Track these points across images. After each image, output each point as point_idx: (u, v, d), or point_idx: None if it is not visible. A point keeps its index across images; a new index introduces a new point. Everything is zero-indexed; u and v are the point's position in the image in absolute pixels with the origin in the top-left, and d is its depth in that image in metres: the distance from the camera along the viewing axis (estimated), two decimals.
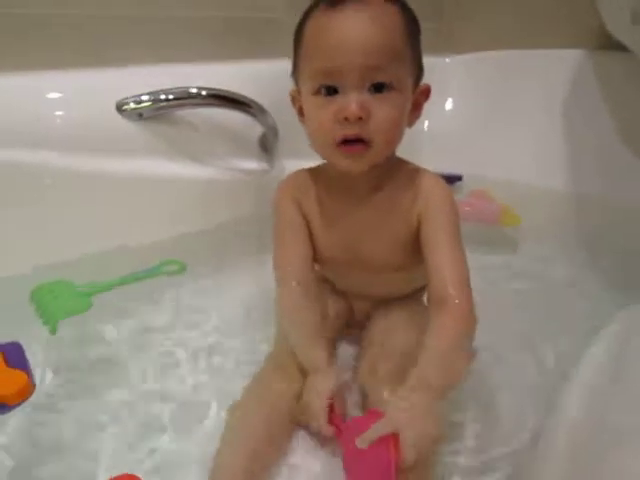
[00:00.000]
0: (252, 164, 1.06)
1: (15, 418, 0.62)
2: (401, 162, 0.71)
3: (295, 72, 0.66)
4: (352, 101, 0.59)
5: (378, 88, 0.60)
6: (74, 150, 0.93)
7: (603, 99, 1.25)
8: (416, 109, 0.67)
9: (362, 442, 0.54)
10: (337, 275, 0.79)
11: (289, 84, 0.94)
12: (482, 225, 1.12)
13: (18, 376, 0.65)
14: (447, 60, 1.48)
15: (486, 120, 1.41)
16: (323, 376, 0.67)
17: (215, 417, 0.66)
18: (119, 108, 0.95)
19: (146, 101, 0.96)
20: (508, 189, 1.23)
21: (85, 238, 0.92)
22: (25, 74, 0.96)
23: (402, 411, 0.55)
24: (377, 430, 0.54)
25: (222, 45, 1.14)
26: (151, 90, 0.97)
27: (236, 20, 1.15)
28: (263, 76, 1.11)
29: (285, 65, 1.11)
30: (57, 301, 0.83)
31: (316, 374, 0.68)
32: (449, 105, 1.43)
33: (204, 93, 0.96)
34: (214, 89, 0.97)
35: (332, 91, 0.61)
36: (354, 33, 0.60)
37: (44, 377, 0.67)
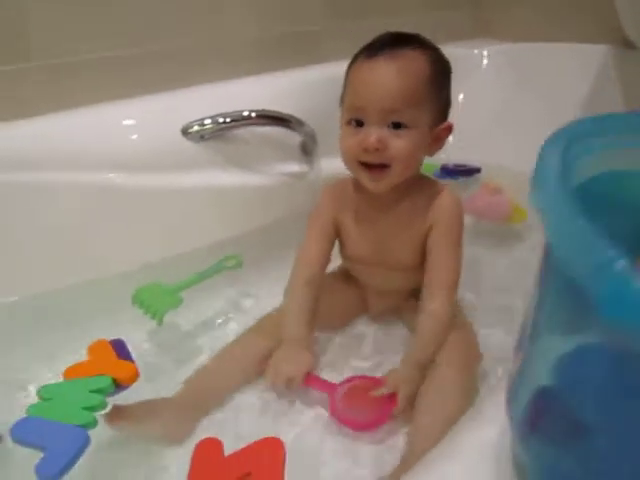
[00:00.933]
0: (295, 167, 1.22)
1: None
2: (423, 180, 0.90)
3: (340, 103, 0.84)
4: (371, 135, 0.78)
5: (396, 126, 0.78)
6: (146, 170, 1.09)
7: (624, 96, 1.29)
8: (437, 142, 0.85)
9: (378, 393, 0.76)
10: (362, 270, 0.97)
11: (326, 90, 1.14)
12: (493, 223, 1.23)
13: (129, 365, 0.74)
14: (475, 52, 1.53)
15: (510, 112, 1.47)
16: (298, 347, 0.83)
17: None
18: (184, 131, 1.12)
19: (208, 124, 1.12)
20: (521, 180, 1.36)
21: (162, 243, 1.10)
22: (104, 105, 1.13)
23: (400, 379, 0.77)
24: (388, 387, 0.76)
25: (269, 59, 1.30)
26: (209, 112, 1.13)
27: (280, 35, 1.31)
28: (304, 84, 1.29)
29: (322, 73, 1.30)
30: (157, 299, 0.96)
31: (294, 345, 0.84)
32: (474, 97, 1.48)
33: (254, 115, 1.13)
34: (261, 110, 1.14)
35: (360, 123, 0.80)
36: (379, 81, 0.79)
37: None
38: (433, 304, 0.83)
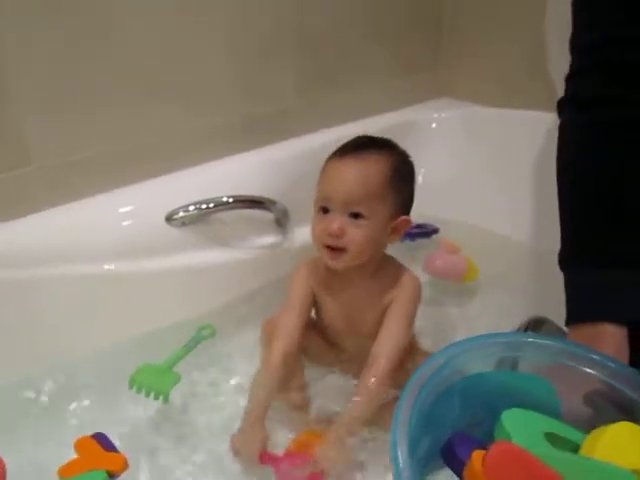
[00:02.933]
0: (270, 239, 1.36)
1: None
2: (388, 259, 1.04)
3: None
4: (333, 223, 0.93)
5: (355, 215, 0.93)
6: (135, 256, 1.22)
7: None
8: (395, 232, 0.99)
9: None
10: (335, 335, 1.10)
11: (296, 165, 1.28)
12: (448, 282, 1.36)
13: (118, 457, 0.80)
14: (435, 115, 1.65)
15: (469, 172, 1.59)
16: (256, 432, 0.93)
17: None
18: (168, 218, 1.24)
19: (191, 210, 1.25)
20: (479, 236, 1.49)
21: (147, 320, 1.19)
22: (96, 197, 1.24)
23: (326, 458, 0.88)
24: (315, 467, 0.87)
25: (241, 140, 1.41)
26: (189, 196, 1.25)
27: (252, 116, 1.41)
28: (275, 161, 1.42)
29: (292, 149, 1.43)
30: (155, 379, 1.02)
31: (251, 426, 0.94)
32: (438, 156, 1.61)
33: (231, 200, 1.27)
34: (237, 196, 1.27)
35: (326, 211, 0.95)
36: (343, 177, 0.95)
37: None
38: (369, 377, 0.94)
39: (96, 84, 1.18)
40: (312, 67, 1.48)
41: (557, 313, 0.90)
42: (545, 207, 1.39)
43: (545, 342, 0.63)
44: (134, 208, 1.25)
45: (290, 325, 1.03)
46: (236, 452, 0.94)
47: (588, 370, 0.61)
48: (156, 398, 1.02)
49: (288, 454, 0.94)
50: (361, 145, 0.99)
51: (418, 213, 1.12)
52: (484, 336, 0.63)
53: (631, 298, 0.79)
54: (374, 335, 1.03)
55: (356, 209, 0.93)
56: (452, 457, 0.59)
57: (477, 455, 0.53)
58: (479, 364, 0.61)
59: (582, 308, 0.82)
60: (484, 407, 0.60)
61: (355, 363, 1.10)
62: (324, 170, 0.99)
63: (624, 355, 0.75)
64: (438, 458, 0.62)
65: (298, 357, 1.06)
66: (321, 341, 1.12)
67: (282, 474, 0.92)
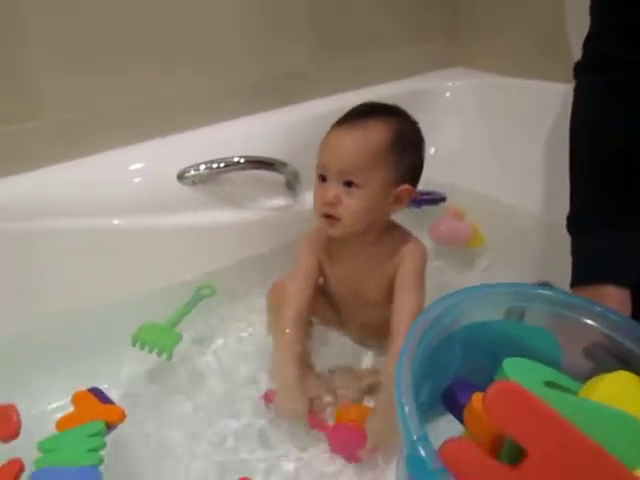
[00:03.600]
0: (280, 202, 1.36)
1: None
2: (393, 227, 1.04)
3: None
4: (329, 191, 0.93)
5: (348, 184, 0.93)
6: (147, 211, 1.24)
7: None
8: (398, 201, 0.97)
9: (364, 455, 0.89)
10: (340, 302, 1.11)
11: (308, 128, 1.28)
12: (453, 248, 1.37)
13: (115, 408, 0.83)
14: (449, 84, 1.64)
15: (480, 141, 1.58)
16: (301, 392, 0.94)
17: None
18: (180, 177, 1.26)
19: (202, 170, 1.26)
20: (487, 205, 1.48)
21: (154, 278, 1.23)
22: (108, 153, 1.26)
23: (378, 436, 0.88)
24: (368, 450, 0.88)
25: (255, 101, 1.41)
26: (201, 156, 1.26)
27: (265, 80, 1.42)
28: (289, 124, 1.42)
29: (305, 112, 1.43)
30: (158, 336, 1.05)
31: (291, 390, 0.94)
32: (451, 125, 1.60)
33: (242, 160, 1.27)
34: (249, 156, 1.27)
35: (324, 179, 0.95)
36: (338, 146, 0.95)
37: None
38: (395, 349, 0.91)
39: (112, 43, 1.19)
40: (326, 32, 1.48)
41: (561, 282, 0.89)
42: (554, 178, 1.42)
43: (549, 294, 0.64)
44: (145, 165, 1.27)
45: (299, 289, 1.04)
46: (280, 414, 0.96)
47: (589, 322, 0.62)
48: (159, 355, 1.04)
49: (339, 424, 0.94)
50: (360, 113, 0.98)
51: (427, 180, 1.14)
52: (489, 285, 0.64)
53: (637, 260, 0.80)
54: (378, 302, 1.04)
55: (350, 178, 0.93)
56: (453, 401, 0.61)
57: (477, 397, 0.55)
58: (484, 312, 0.62)
59: (589, 269, 0.82)
60: (486, 355, 0.61)
61: (360, 329, 1.13)
62: (324, 138, 0.98)
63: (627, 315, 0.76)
64: (439, 404, 0.63)
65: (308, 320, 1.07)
66: (328, 307, 1.13)
67: (336, 442, 0.93)
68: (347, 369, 1.09)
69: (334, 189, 0.93)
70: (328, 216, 0.96)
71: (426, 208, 1.49)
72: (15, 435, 0.80)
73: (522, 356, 0.60)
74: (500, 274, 1.32)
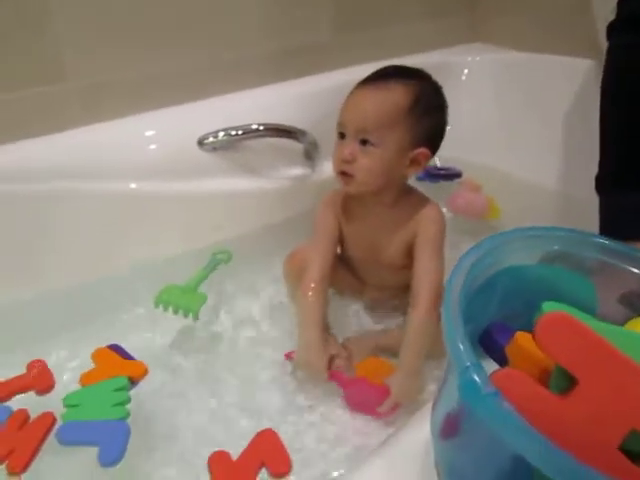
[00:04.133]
0: (299, 171, 1.36)
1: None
2: (410, 191, 1.04)
3: None
4: (346, 148, 0.94)
5: (364, 142, 0.94)
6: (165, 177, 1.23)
7: None
8: (415, 164, 0.97)
9: (383, 409, 0.90)
10: (359, 267, 1.12)
11: (329, 98, 1.27)
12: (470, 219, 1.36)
13: (137, 363, 0.84)
14: (468, 59, 1.62)
15: (500, 116, 1.57)
16: (320, 347, 0.96)
17: None
18: (200, 142, 1.25)
19: (221, 136, 1.25)
20: (505, 180, 1.48)
21: (172, 244, 1.23)
22: (128, 119, 1.26)
23: (402, 391, 0.90)
24: (389, 404, 0.90)
25: (276, 71, 1.41)
26: (221, 123, 1.26)
27: (286, 49, 1.41)
28: (309, 94, 1.41)
29: (325, 82, 1.43)
30: (182, 298, 1.04)
31: (312, 347, 0.95)
32: (470, 100, 1.58)
33: (262, 128, 1.26)
34: (268, 124, 1.27)
35: (343, 136, 0.96)
36: (357, 104, 0.96)
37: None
38: (418, 312, 0.94)
39: (131, 11, 1.18)
40: (347, 3, 1.47)
41: None
42: (572, 153, 1.42)
43: (592, 239, 0.63)
44: (165, 132, 1.26)
45: (321, 250, 1.04)
46: (301, 365, 0.97)
47: (630, 268, 0.61)
48: (185, 315, 1.04)
49: (358, 378, 0.95)
50: (382, 75, 0.98)
51: (444, 155, 1.15)
52: (532, 228, 0.63)
53: None
54: (396, 265, 1.05)
55: (366, 136, 0.94)
56: (492, 344, 0.60)
57: (521, 334, 0.54)
58: (524, 256, 0.62)
59: (618, 227, 0.82)
60: (523, 301, 0.60)
61: (378, 293, 1.13)
62: (348, 95, 0.99)
63: None
64: (475, 349, 0.63)
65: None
66: (346, 273, 1.13)
67: (351, 396, 0.94)
68: (361, 332, 1.11)
69: (350, 147, 0.94)
70: (344, 173, 0.96)
71: (442, 183, 1.50)
72: (52, 387, 0.81)
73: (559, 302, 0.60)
74: None
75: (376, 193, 0.99)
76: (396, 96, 0.94)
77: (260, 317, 1.15)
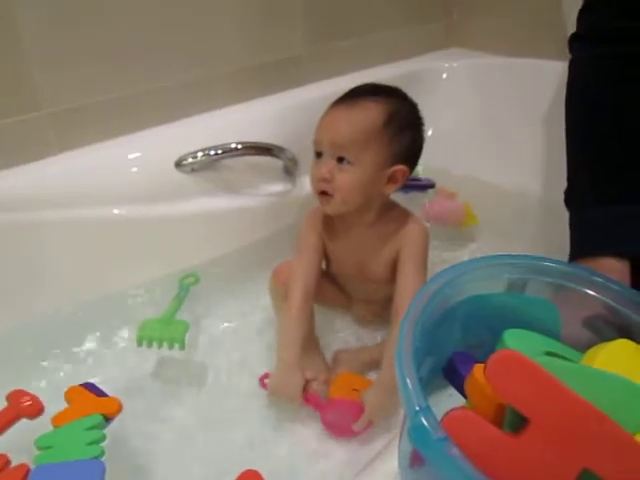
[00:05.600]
0: (279, 187, 1.35)
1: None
2: (392, 207, 1.04)
3: None
4: (323, 166, 0.94)
5: (341, 160, 0.93)
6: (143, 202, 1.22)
7: None
8: (392, 182, 0.97)
9: (358, 427, 0.89)
10: (344, 281, 1.12)
11: (305, 112, 1.27)
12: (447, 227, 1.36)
13: (112, 400, 0.81)
14: (445, 65, 1.61)
15: (478, 122, 1.57)
16: (296, 372, 0.94)
17: None
18: (178, 164, 1.24)
19: (200, 157, 1.24)
20: (482, 187, 1.48)
21: (155, 267, 1.23)
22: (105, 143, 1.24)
23: (375, 407, 0.90)
24: (364, 421, 0.89)
25: (251, 87, 1.40)
26: (199, 143, 1.25)
27: (260, 65, 1.40)
28: (284, 108, 1.40)
29: (300, 96, 1.42)
30: (163, 330, 1.02)
31: (288, 369, 0.94)
32: (448, 106, 1.59)
33: (240, 147, 1.25)
34: (246, 142, 1.26)
35: (319, 155, 0.96)
36: (334, 121, 0.96)
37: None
38: (396, 324, 0.91)
39: (103, 32, 1.16)
40: (320, 16, 1.45)
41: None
42: (549, 157, 1.42)
43: (550, 265, 0.63)
44: (143, 154, 1.24)
45: (306, 267, 1.03)
46: (274, 392, 0.95)
47: (590, 292, 0.61)
48: (170, 348, 1.02)
49: (333, 399, 0.95)
50: (357, 93, 0.98)
51: (423, 162, 1.15)
52: (490, 257, 0.63)
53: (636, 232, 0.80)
54: (382, 280, 1.05)
55: (342, 153, 0.93)
56: (454, 374, 0.60)
57: (478, 367, 0.54)
58: (484, 285, 0.62)
59: (588, 242, 0.82)
60: (487, 329, 0.60)
61: (364, 307, 1.14)
62: (323, 114, 0.99)
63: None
64: (439, 378, 0.63)
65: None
66: (333, 288, 1.13)
67: (329, 419, 0.93)
68: (349, 346, 1.11)
69: (327, 165, 0.94)
70: (323, 193, 0.96)
71: (414, 194, 1.49)
72: (42, 409, 0.81)
73: (522, 328, 0.60)
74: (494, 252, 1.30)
75: (356, 212, 0.99)
76: (370, 114, 0.94)
77: (240, 339, 1.14)
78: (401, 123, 0.96)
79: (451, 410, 0.49)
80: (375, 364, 1.02)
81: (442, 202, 1.38)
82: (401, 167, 0.96)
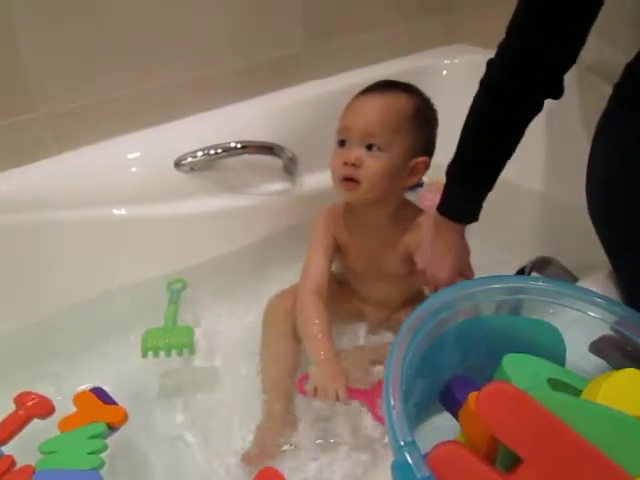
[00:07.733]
0: (279, 186, 1.32)
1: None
2: (407, 204, 1.04)
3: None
4: (351, 152, 0.92)
5: (370, 147, 0.92)
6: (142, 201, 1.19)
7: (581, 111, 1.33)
8: (413, 174, 0.97)
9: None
10: (359, 281, 1.10)
11: (305, 110, 1.23)
12: None
13: (118, 409, 0.80)
14: (446, 62, 1.57)
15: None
16: (334, 364, 0.91)
17: None
18: (177, 164, 1.21)
19: (199, 156, 1.21)
20: None
21: (153, 266, 1.20)
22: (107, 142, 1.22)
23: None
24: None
25: (251, 85, 1.36)
26: (198, 143, 1.22)
27: (259, 63, 1.36)
28: (285, 107, 1.37)
29: (300, 94, 1.38)
30: (171, 335, 0.99)
31: (330, 365, 0.91)
32: (449, 103, 1.49)
33: (239, 146, 1.23)
34: (246, 141, 1.23)
35: (344, 143, 0.94)
36: (363, 108, 0.95)
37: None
38: None
39: (100, 32, 1.13)
40: (319, 13, 1.41)
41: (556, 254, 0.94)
42: (547, 153, 1.39)
43: (543, 285, 0.60)
44: (142, 154, 1.22)
45: (320, 265, 1.02)
46: (319, 393, 0.90)
47: (593, 315, 0.58)
48: (179, 354, 0.99)
49: (379, 385, 0.91)
50: (386, 85, 0.98)
51: None
52: (483, 279, 0.61)
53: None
54: (394, 277, 1.04)
55: (372, 140, 0.92)
56: (451, 400, 0.57)
57: (473, 396, 0.51)
58: (480, 307, 0.59)
59: (447, 206, 0.90)
60: (487, 352, 0.57)
61: (379, 313, 1.12)
62: (346, 107, 0.98)
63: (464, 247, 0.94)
64: (437, 402, 0.60)
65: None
66: (345, 297, 1.12)
67: (378, 406, 0.90)
68: (354, 346, 1.10)
69: (356, 151, 0.93)
70: (348, 179, 0.94)
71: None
72: (53, 408, 0.80)
73: (524, 351, 0.57)
74: (493, 246, 1.27)
75: (377, 203, 0.98)
76: (401, 103, 0.95)
77: (243, 340, 1.12)
78: (427, 116, 0.99)
79: (440, 444, 0.46)
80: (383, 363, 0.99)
81: (432, 197, 1.30)
82: (424, 159, 0.97)
